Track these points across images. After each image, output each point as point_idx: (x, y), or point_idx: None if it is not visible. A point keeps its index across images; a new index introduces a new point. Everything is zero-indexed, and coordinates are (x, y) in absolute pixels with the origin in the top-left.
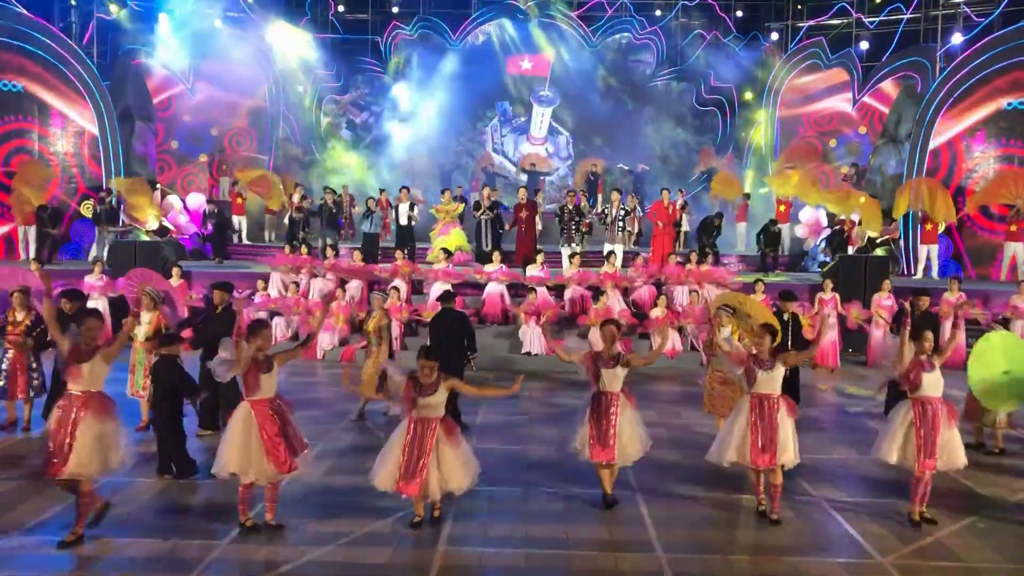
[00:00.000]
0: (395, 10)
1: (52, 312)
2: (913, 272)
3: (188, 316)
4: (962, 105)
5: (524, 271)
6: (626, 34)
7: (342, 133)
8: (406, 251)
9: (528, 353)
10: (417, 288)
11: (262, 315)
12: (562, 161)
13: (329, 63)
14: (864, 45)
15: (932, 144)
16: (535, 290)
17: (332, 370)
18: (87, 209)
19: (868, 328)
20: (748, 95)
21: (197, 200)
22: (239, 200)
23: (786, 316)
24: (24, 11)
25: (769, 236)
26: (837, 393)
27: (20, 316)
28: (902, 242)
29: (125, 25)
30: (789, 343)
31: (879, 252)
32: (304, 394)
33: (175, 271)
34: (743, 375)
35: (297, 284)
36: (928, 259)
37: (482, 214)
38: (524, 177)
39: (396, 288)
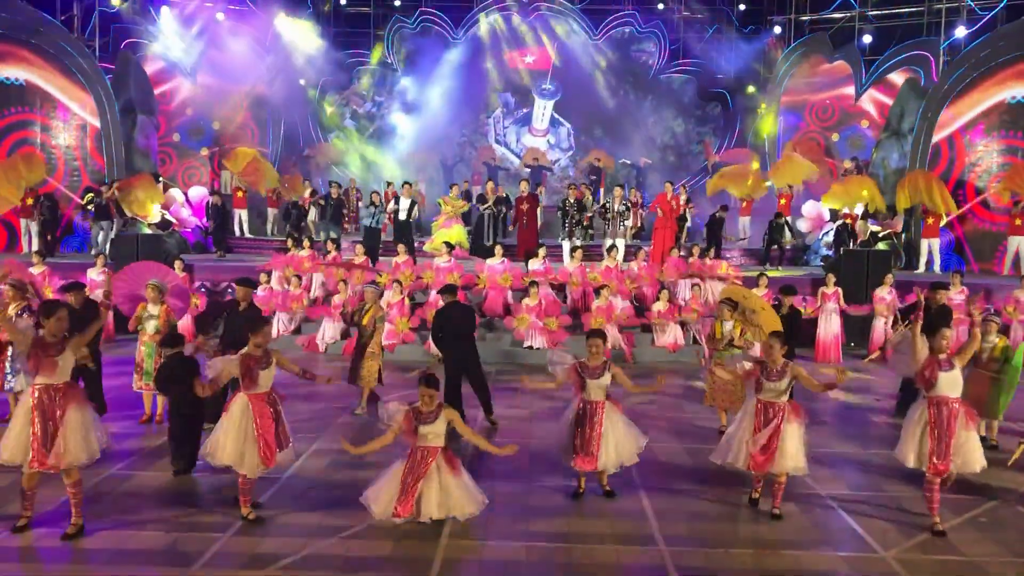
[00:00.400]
0: (397, 3)
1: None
2: (916, 266)
3: (206, 310)
4: (965, 98)
5: (526, 265)
6: (628, 28)
7: (346, 123)
8: (406, 245)
9: (530, 347)
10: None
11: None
12: (563, 152)
13: (331, 55)
14: (867, 38)
15: (935, 137)
16: (537, 284)
17: (334, 363)
18: (88, 203)
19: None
20: (751, 89)
21: (199, 193)
22: (239, 194)
23: (784, 310)
24: (27, 3)
25: (774, 229)
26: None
27: (11, 311)
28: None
29: (127, 17)
30: (788, 337)
31: (881, 246)
32: (306, 387)
33: (177, 264)
34: (750, 381)
35: (299, 278)
36: (930, 253)
37: (486, 208)
38: (527, 170)
39: (398, 282)
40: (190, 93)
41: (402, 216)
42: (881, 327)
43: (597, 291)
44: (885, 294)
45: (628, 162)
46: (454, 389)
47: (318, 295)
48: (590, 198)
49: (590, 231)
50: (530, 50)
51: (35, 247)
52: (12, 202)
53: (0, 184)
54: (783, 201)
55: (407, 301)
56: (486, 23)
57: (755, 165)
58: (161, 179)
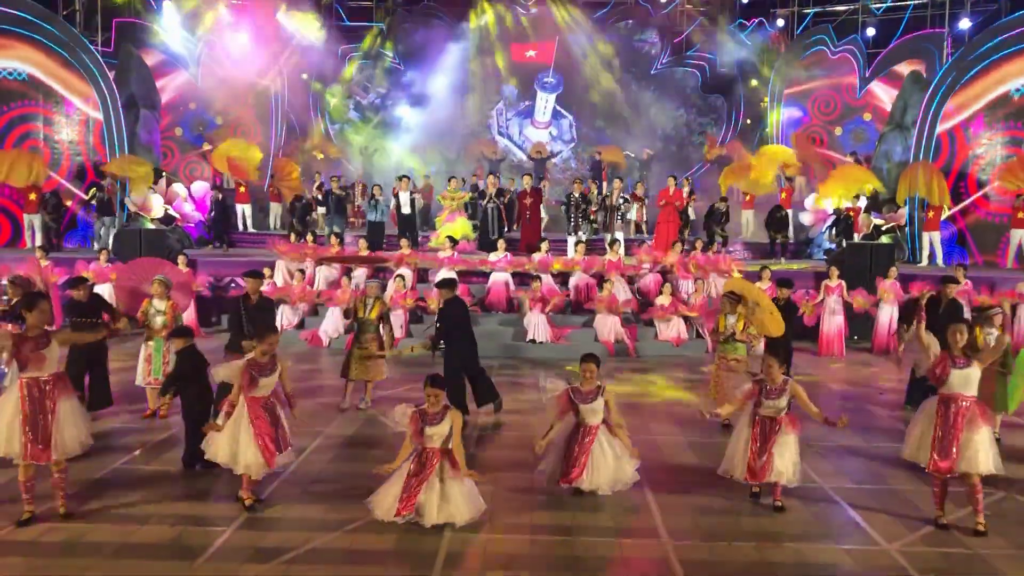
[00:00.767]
0: None
1: None
2: (918, 259)
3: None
4: (969, 91)
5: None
6: (630, 20)
7: (350, 114)
8: (409, 239)
9: (533, 341)
10: (423, 276)
11: None
12: (565, 144)
13: (333, 47)
14: (871, 31)
15: (939, 130)
16: (540, 278)
17: (337, 358)
18: (92, 197)
19: (875, 312)
20: (754, 82)
21: (202, 188)
22: (241, 189)
23: (780, 302)
24: None
25: (776, 222)
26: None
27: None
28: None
29: (130, 12)
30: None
31: (884, 239)
32: (310, 381)
33: (180, 259)
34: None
35: (303, 272)
36: (932, 246)
37: (488, 202)
38: (530, 164)
39: (401, 276)
40: (192, 87)
41: (405, 210)
42: (886, 318)
43: (600, 284)
44: (888, 286)
45: (631, 154)
46: (457, 388)
47: (322, 289)
48: (595, 193)
49: (594, 225)
50: (532, 44)
51: (39, 242)
52: (21, 181)
53: (12, 165)
54: (784, 195)
55: (409, 301)
56: (489, 14)
57: (778, 155)
58: (164, 174)
